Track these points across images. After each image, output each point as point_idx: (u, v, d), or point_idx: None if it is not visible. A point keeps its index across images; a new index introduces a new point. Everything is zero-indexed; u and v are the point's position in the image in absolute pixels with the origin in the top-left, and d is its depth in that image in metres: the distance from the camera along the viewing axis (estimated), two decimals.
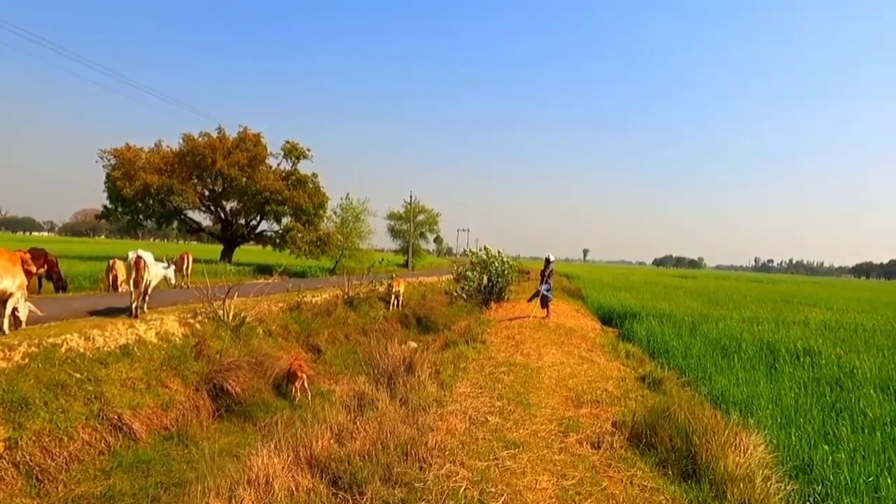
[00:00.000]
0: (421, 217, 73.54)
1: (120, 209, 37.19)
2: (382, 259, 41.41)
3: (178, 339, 10.05)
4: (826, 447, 6.25)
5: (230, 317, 11.69)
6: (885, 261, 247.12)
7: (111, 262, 16.98)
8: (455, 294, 19.86)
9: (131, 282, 10.98)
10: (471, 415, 5.66)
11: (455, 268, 20.17)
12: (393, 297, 20.65)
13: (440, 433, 4.93)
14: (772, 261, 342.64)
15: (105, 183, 36.17)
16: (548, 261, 15.50)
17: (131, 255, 10.93)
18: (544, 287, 15.18)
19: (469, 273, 19.44)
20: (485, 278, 19.38)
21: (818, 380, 10.05)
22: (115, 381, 7.88)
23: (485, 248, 20.65)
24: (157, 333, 9.83)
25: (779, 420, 7.35)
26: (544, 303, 15.41)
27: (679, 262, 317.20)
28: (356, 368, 13.46)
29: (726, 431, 4.92)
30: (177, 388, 8.67)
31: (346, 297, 18.40)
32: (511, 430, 5.36)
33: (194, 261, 21.36)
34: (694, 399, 7.58)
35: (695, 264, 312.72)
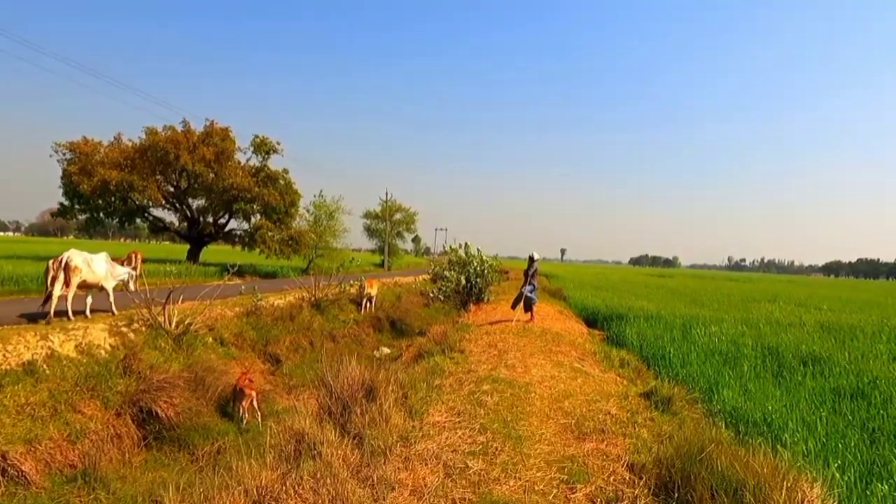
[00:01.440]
0: (398, 216, 72.09)
1: (77, 206, 35.02)
2: (353, 259, 39.80)
3: (103, 353, 8.56)
4: (883, 487, 5.09)
5: (173, 324, 10.19)
6: (853, 259, 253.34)
7: (49, 262, 15.24)
8: (431, 295, 18.50)
9: (56, 285, 9.93)
10: (446, 459, 4.34)
11: (431, 267, 18.82)
12: (365, 299, 19.24)
13: (404, 493, 3.61)
14: (744, 260, 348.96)
15: (61, 179, 34.03)
16: (532, 259, 14.24)
17: (64, 256, 10.10)
18: (528, 288, 13.93)
19: (447, 273, 18.09)
20: (463, 279, 18.07)
21: (837, 391, 8.95)
22: (8, 408, 6.38)
23: (464, 245, 19.34)
24: (76, 346, 8.32)
25: (814, 448, 6.18)
26: (528, 305, 14.18)
27: (655, 261, 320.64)
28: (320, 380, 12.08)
29: (783, 483, 3.68)
30: (93, 413, 7.19)
31: (313, 299, 16.94)
32: (499, 480, 4.05)
33: (143, 261, 19.61)
34: (710, 425, 6.37)
35: (670, 263, 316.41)
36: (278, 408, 9.45)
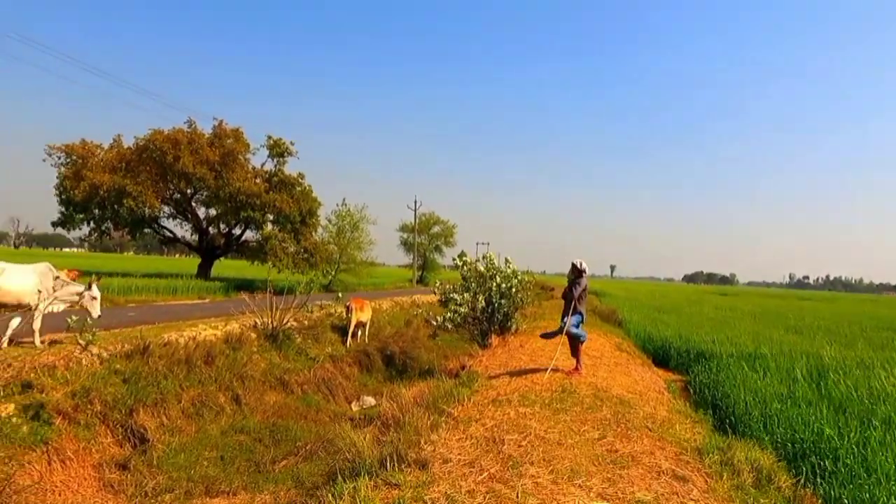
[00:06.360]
0: (436, 229, 67.87)
1: (80, 216, 31.83)
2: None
3: None
4: None
5: None
6: None
7: None
8: (435, 323, 13.48)
9: None
10: None
11: (437, 285, 13.87)
12: (353, 326, 14.38)
13: None
14: (807, 277, 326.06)
15: (56, 185, 31.01)
16: (578, 271, 8.95)
17: None
18: (572, 321, 8.69)
19: (455, 295, 13.04)
20: (481, 299, 12.97)
21: None
22: None
23: (484, 256, 14.27)
24: None
25: None
26: (573, 345, 8.99)
27: (710, 278, 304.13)
28: (231, 470, 7.22)
29: None
30: None
31: (270, 327, 12.18)
32: None
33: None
34: None
35: (727, 280, 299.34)
36: None
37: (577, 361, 8.97)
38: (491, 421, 5.82)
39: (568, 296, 8.97)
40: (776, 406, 8.37)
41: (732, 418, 8.42)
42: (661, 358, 15.88)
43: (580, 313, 8.96)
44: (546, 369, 8.72)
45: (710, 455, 5.57)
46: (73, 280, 15.05)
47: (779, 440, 7.09)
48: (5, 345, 7.78)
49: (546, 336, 9.78)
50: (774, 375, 10.73)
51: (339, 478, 4.32)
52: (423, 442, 5.01)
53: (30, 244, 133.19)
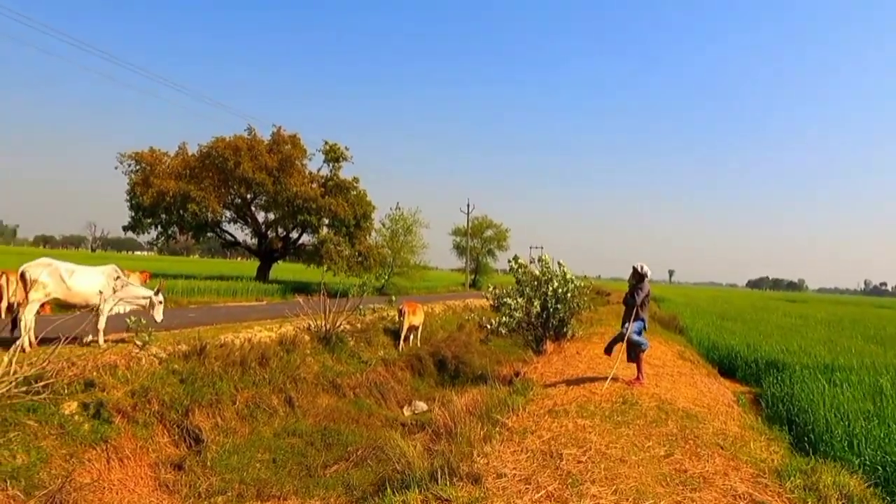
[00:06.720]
0: (489, 232, 67.40)
1: (148, 220, 33.37)
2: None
3: None
4: None
5: None
6: None
7: None
8: (489, 328, 13.17)
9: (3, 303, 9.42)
10: None
11: (489, 289, 13.57)
12: (405, 330, 14.28)
13: None
14: (885, 284, 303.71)
15: (127, 191, 32.65)
16: (639, 276, 8.48)
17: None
18: (633, 328, 8.25)
19: (508, 300, 12.70)
20: (536, 304, 12.60)
21: None
22: None
23: (540, 259, 13.88)
24: None
25: None
26: (632, 354, 8.54)
27: (776, 284, 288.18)
28: (282, 474, 7.20)
29: None
30: None
31: (323, 330, 12.23)
32: None
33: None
34: None
35: (795, 286, 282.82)
36: None
37: (639, 371, 8.50)
38: (547, 433, 5.51)
39: (629, 301, 8.52)
40: (861, 424, 7.66)
41: (812, 436, 7.77)
42: (726, 368, 15.06)
43: (642, 320, 8.49)
44: (605, 378, 8.30)
45: (792, 478, 5.06)
46: (145, 282, 15.72)
47: (867, 462, 6.44)
48: (33, 343, 7.97)
49: (609, 348, 9.28)
50: (857, 390, 9.90)
51: (389, 489, 4.13)
52: (475, 454, 4.76)
53: (105, 248, 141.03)
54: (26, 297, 8.01)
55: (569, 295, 12.89)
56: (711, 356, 15.97)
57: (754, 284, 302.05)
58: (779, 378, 11.60)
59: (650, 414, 6.53)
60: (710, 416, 7.05)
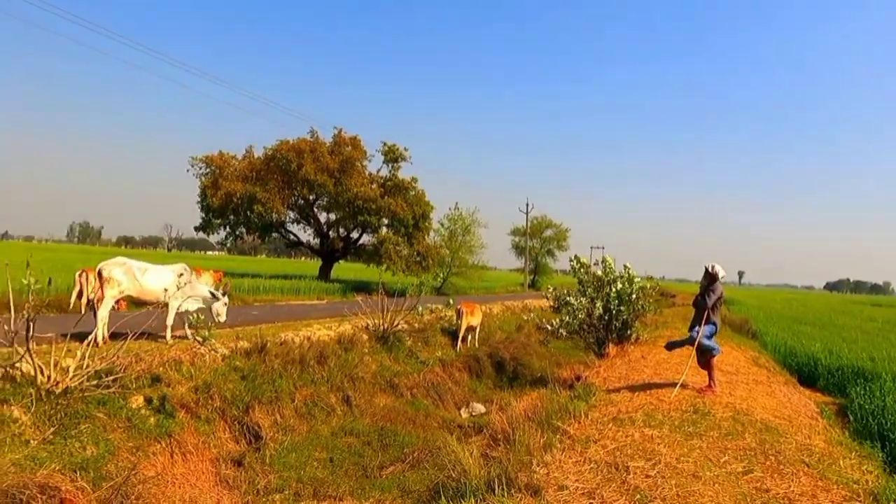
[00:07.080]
0: (548, 232, 66.30)
1: (218, 221, 34.88)
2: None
3: None
4: None
5: (49, 377, 6.02)
6: None
7: (76, 275, 12.69)
8: (550, 329, 12.81)
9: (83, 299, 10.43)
10: None
11: (550, 290, 13.18)
12: (463, 330, 14.12)
13: None
14: None
15: (198, 193, 34.23)
16: (711, 277, 7.95)
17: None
18: (705, 331, 7.74)
19: (571, 299, 12.30)
20: (598, 305, 12.14)
21: None
22: None
23: (603, 259, 13.40)
24: None
25: None
26: (703, 358, 8.01)
27: (858, 286, 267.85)
28: (339, 473, 7.18)
29: None
30: None
31: (381, 329, 12.24)
32: None
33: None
34: None
35: (879, 289, 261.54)
36: None
37: (710, 378, 7.98)
38: (612, 443, 5.18)
39: (700, 304, 8.01)
40: None
41: None
42: (805, 376, 14.02)
43: (713, 323, 7.96)
44: (673, 385, 7.83)
45: (891, 503, 4.54)
46: (219, 281, 16.33)
47: None
48: (106, 338, 8.35)
49: (671, 346, 8.83)
50: None
51: (443, 498, 3.95)
52: (535, 464, 4.52)
53: (180, 248, 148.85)
54: (102, 293, 8.46)
55: (633, 296, 12.36)
56: (789, 363, 14.91)
57: (833, 287, 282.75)
58: (867, 388, 10.65)
59: (724, 425, 6.07)
60: (792, 429, 6.49)
